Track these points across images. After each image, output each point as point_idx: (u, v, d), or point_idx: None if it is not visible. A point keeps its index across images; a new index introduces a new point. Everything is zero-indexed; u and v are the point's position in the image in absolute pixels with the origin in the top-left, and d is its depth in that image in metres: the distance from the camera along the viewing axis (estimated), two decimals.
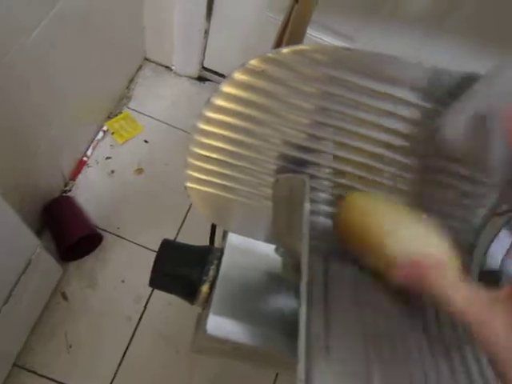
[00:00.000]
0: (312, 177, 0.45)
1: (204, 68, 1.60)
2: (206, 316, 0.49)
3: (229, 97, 0.39)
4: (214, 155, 0.44)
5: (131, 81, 1.55)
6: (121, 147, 1.42)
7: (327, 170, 0.45)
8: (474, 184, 0.45)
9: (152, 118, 1.50)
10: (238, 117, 0.41)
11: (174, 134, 1.49)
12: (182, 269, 0.52)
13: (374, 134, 0.42)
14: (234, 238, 0.55)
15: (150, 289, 1.22)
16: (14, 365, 1.08)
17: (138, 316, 1.21)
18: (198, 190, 0.46)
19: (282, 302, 0.53)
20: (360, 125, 0.41)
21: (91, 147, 1.38)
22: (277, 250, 0.55)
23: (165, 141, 1.46)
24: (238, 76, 0.38)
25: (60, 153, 1.24)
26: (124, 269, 1.26)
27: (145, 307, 1.22)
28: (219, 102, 0.39)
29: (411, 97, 0.40)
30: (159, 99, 1.55)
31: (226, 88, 0.38)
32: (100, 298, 1.21)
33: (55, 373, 1.10)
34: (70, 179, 1.32)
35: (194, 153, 0.44)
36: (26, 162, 1.07)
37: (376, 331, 0.43)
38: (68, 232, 1.20)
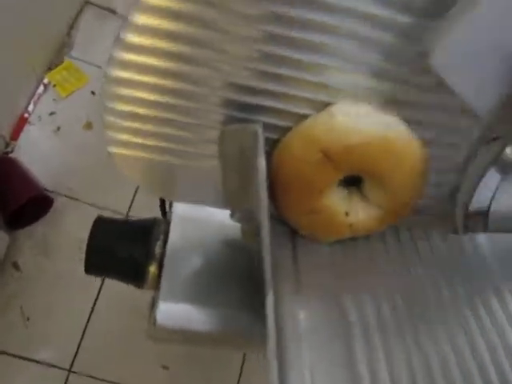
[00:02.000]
0: (267, 125, 0.37)
1: None
2: (156, 304, 0.43)
3: (145, 29, 0.30)
4: (138, 110, 0.35)
5: (71, 27, 1.40)
6: (65, 101, 1.29)
7: (283, 114, 0.37)
8: (458, 117, 0.37)
9: (98, 66, 1.37)
10: (161, 56, 0.32)
11: None
12: (123, 248, 0.45)
13: (336, 62, 0.34)
14: (180, 207, 0.48)
15: None
16: None
17: (100, 281, 1.14)
18: (126, 155, 0.38)
19: (245, 274, 0.47)
20: (318, 51, 0.33)
21: (32, 103, 1.26)
22: (232, 215, 0.47)
23: None
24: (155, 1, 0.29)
25: None
26: (79, 232, 1.17)
27: None
28: (133, 37, 0.30)
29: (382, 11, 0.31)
30: (104, 46, 1.40)
31: (140, 17, 0.29)
32: (55, 266, 1.13)
33: (13, 347, 1.04)
34: (12, 139, 1.21)
35: (111, 109, 0.35)
36: None
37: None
38: (13, 196, 1.10)
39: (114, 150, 0.38)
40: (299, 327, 0.36)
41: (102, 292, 1.13)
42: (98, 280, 1.14)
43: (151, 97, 0.34)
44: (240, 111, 0.36)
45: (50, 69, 1.32)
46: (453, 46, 0.27)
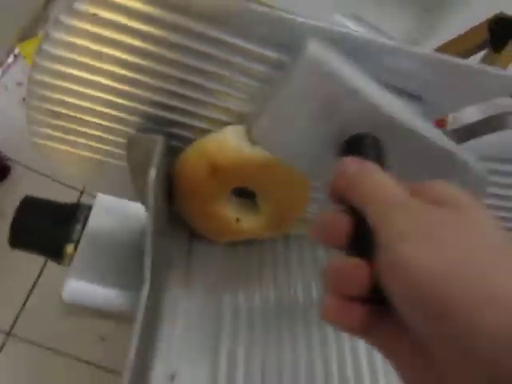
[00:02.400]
0: (174, 135, 0.42)
1: None
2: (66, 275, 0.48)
3: (59, 43, 0.35)
4: (59, 109, 0.40)
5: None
6: None
7: (188, 128, 0.42)
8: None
9: None
10: (72, 65, 0.37)
11: None
12: (45, 227, 0.50)
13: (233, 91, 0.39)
14: (102, 195, 0.54)
15: None
16: None
17: None
18: (48, 146, 0.43)
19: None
20: (219, 82, 0.39)
21: (0, 71, 1.28)
22: (146, 209, 0.53)
23: None
24: (66, 20, 0.34)
25: None
26: None
27: None
28: (50, 49, 0.35)
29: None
30: None
31: (55, 33, 0.34)
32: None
33: None
34: None
35: (35, 106, 0.40)
36: None
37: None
38: None
39: (36, 140, 0.43)
40: (177, 315, 0.42)
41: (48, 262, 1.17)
42: None
43: (69, 99, 0.40)
44: (151, 122, 0.42)
45: (22, 40, 1.33)
46: (269, 120, 0.31)
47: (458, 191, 0.24)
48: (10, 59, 1.30)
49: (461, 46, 0.96)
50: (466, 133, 0.41)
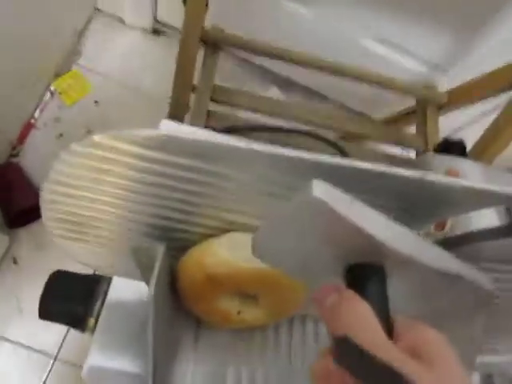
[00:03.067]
0: (174, 239, 0.46)
1: (157, 21, 1.53)
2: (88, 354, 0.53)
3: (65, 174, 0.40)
4: (75, 219, 0.45)
5: (80, 34, 1.49)
6: (70, 109, 1.39)
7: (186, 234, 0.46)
8: None
9: (103, 75, 1.46)
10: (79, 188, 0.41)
11: (126, 93, 1.46)
12: (68, 306, 0.56)
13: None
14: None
15: None
16: None
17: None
18: (62, 242, 0.48)
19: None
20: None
21: (39, 109, 1.36)
22: None
23: (116, 101, 1.44)
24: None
25: (6, 117, 1.23)
26: None
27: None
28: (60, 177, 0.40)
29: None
30: (110, 55, 1.49)
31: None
32: (49, 261, 1.26)
33: (9, 333, 1.18)
34: (18, 143, 1.32)
35: (54, 217, 0.45)
36: None
37: None
38: (15, 200, 1.22)
39: (52, 237, 0.48)
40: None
41: None
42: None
43: (80, 212, 0.44)
44: (154, 229, 0.46)
45: (57, 75, 1.41)
46: (267, 238, 0.33)
47: (436, 342, 0.25)
48: (47, 97, 1.38)
49: (492, 83, 0.94)
50: (467, 238, 0.41)
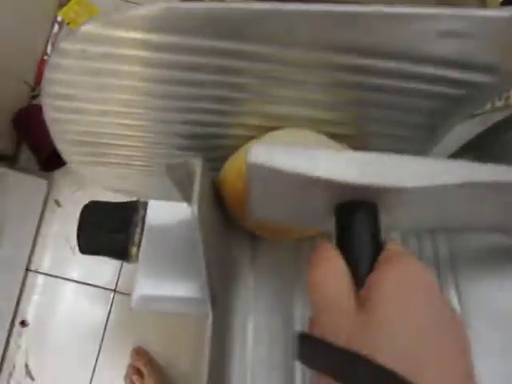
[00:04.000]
0: (213, 148, 0.40)
1: None
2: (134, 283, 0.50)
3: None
4: (88, 139, 0.39)
5: None
6: None
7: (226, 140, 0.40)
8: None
9: None
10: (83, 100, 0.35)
11: None
12: (107, 236, 0.52)
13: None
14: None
15: None
16: (28, 270, 1.18)
17: None
18: (83, 169, 0.43)
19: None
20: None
21: (50, 43, 1.28)
22: None
23: None
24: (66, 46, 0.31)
25: (17, 57, 1.16)
26: None
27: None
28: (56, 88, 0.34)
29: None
30: None
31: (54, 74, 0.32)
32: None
33: (67, 272, 1.20)
34: (36, 84, 1.26)
35: (65, 139, 0.39)
36: None
37: None
38: (44, 142, 1.18)
39: (75, 166, 0.43)
40: (247, 329, 0.41)
41: None
42: None
43: (99, 130, 0.38)
44: (189, 139, 0.39)
45: (61, 6, 1.32)
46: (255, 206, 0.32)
47: (384, 283, 0.23)
48: (56, 29, 1.30)
49: None
50: None
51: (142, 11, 0.28)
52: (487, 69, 0.31)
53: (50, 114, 0.36)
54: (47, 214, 1.22)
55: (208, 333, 0.34)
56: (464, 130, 0.42)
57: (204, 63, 0.31)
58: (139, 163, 0.43)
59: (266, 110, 0.36)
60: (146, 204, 0.54)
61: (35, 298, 1.18)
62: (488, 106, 0.44)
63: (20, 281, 1.16)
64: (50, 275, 1.20)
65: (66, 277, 1.20)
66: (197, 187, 0.35)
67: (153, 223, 0.52)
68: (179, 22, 0.28)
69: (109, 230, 0.52)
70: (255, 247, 0.45)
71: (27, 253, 1.17)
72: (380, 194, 0.27)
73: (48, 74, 0.32)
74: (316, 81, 0.33)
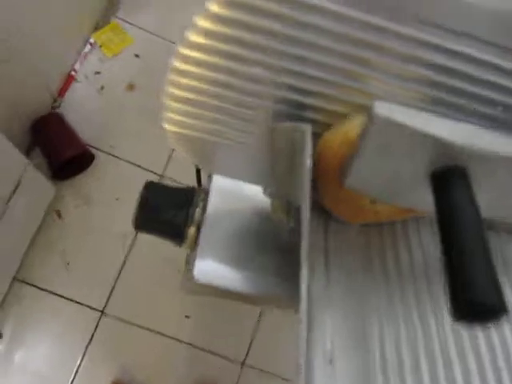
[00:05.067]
0: (312, 121, 0.42)
1: None
2: (194, 261, 0.49)
3: (206, 32, 0.35)
4: (193, 96, 0.41)
5: None
6: (110, 61, 1.35)
7: (327, 113, 0.42)
8: None
9: (142, 29, 1.41)
10: (219, 55, 0.37)
11: (167, 47, 1.41)
12: (167, 212, 0.52)
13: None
14: (219, 179, 0.54)
15: None
16: (15, 279, 1.12)
17: (134, 234, 1.23)
18: (178, 132, 0.44)
19: (272, 243, 0.53)
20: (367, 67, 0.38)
21: (79, 61, 1.32)
22: (265, 191, 0.53)
23: (157, 54, 1.39)
24: (215, 9, 0.34)
25: (46, 67, 1.19)
26: (118, 187, 1.25)
27: None
28: (195, 38, 0.36)
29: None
30: (150, 9, 1.44)
31: (202, 22, 0.34)
32: (95, 216, 1.22)
33: (55, 287, 1.15)
34: (59, 95, 1.28)
35: (171, 94, 0.41)
36: (11, 78, 1.02)
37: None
38: (59, 150, 1.18)
39: (168, 126, 0.44)
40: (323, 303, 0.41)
41: (136, 242, 1.22)
42: (133, 232, 1.22)
43: (207, 87, 0.40)
44: (290, 108, 0.41)
45: (96, 29, 1.37)
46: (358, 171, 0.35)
47: None
48: (87, 48, 1.34)
49: None
50: None
51: None
52: None
53: (175, 63, 0.38)
54: (45, 223, 1.18)
55: (303, 289, 0.34)
56: None
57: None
58: (230, 130, 0.44)
59: (372, 91, 0.39)
60: (205, 190, 0.55)
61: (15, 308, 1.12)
62: None
63: (5, 290, 1.10)
64: (38, 287, 1.14)
65: (54, 291, 1.15)
66: (308, 148, 0.37)
67: (217, 201, 0.52)
68: None
69: (169, 208, 0.52)
70: (328, 226, 0.46)
71: (18, 261, 1.12)
72: (473, 159, 0.31)
73: (199, 21, 0.35)
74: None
